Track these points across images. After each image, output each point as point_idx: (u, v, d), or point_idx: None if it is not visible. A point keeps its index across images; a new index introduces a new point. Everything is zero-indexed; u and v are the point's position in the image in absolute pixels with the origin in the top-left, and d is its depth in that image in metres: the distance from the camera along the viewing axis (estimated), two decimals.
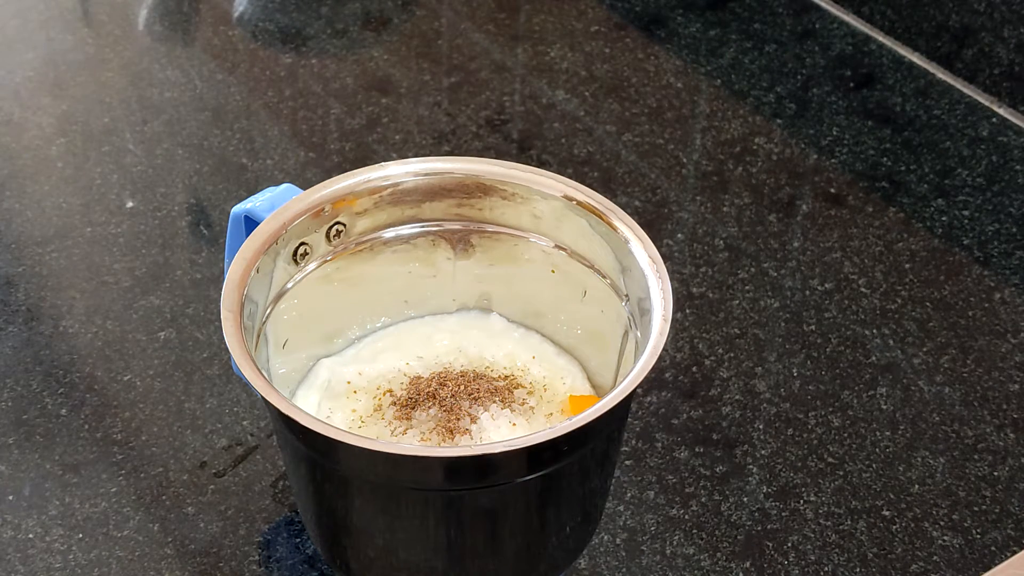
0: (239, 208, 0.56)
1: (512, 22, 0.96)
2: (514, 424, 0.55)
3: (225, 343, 0.50)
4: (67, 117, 0.86)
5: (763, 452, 0.65)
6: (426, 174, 0.58)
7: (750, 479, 0.64)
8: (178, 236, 0.77)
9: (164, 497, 0.63)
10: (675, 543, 0.61)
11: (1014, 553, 0.61)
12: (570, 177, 0.57)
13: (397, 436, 0.55)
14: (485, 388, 0.57)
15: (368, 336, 0.61)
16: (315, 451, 0.50)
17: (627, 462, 0.64)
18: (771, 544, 0.61)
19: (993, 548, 0.61)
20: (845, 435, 0.66)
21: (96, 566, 0.60)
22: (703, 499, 0.63)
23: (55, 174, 0.81)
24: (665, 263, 0.53)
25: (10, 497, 0.62)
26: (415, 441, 0.54)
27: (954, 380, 0.69)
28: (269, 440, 0.65)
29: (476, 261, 0.60)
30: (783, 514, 0.63)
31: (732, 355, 0.70)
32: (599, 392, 0.59)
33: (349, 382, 0.58)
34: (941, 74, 0.91)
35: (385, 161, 0.58)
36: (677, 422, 0.67)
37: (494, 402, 0.56)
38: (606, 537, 0.61)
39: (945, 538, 0.62)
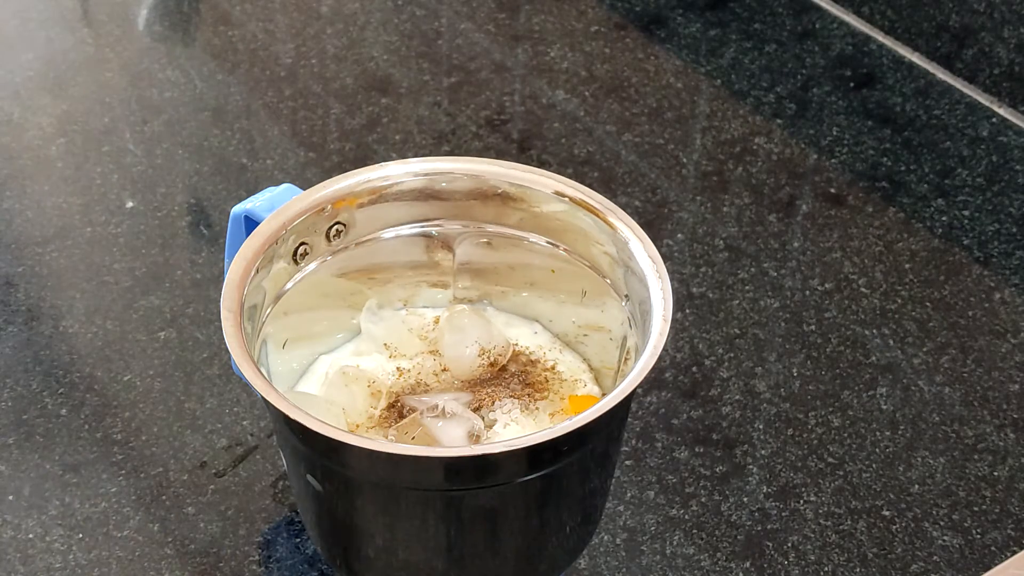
0: (239, 208, 0.56)
1: (512, 22, 0.96)
2: (517, 423, 0.55)
3: (225, 343, 0.50)
4: (67, 117, 0.86)
5: (763, 452, 0.65)
6: (426, 174, 0.58)
7: (750, 479, 0.64)
8: (178, 236, 0.77)
9: (164, 497, 0.63)
10: (675, 543, 0.61)
11: (1014, 553, 0.61)
12: (570, 177, 0.57)
13: (396, 435, 0.55)
14: (487, 387, 0.57)
15: (368, 335, 0.61)
16: (315, 451, 0.50)
17: (627, 462, 0.64)
18: (771, 544, 0.61)
19: (993, 548, 0.61)
20: (845, 435, 0.66)
21: (96, 566, 0.60)
22: (703, 499, 0.63)
23: (55, 174, 0.81)
24: (665, 263, 0.53)
25: (10, 497, 0.62)
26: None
27: (954, 380, 0.69)
28: (269, 440, 0.65)
29: (476, 261, 0.60)
30: (783, 514, 0.63)
31: (732, 355, 0.70)
32: (600, 392, 0.59)
33: (348, 383, 0.58)
34: (941, 74, 0.91)
35: (385, 161, 0.58)
36: (677, 422, 0.67)
37: (496, 400, 0.56)
38: (606, 537, 0.61)
39: (945, 538, 0.62)
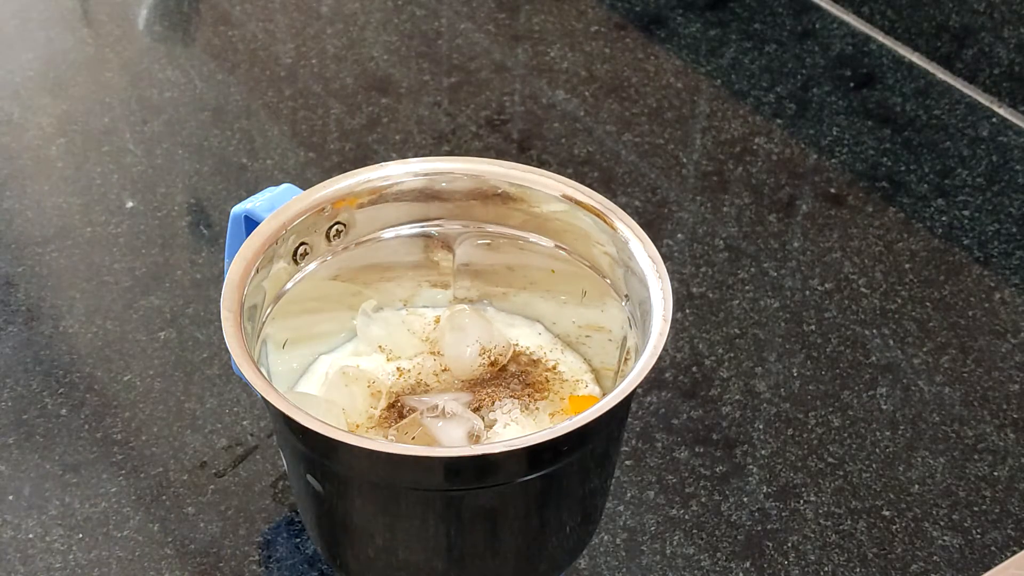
0: (239, 208, 0.56)
1: (512, 22, 0.96)
2: (517, 423, 0.55)
3: (225, 343, 0.50)
4: (67, 117, 0.86)
5: (763, 452, 0.65)
6: (426, 174, 0.58)
7: (750, 479, 0.64)
8: (178, 236, 0.77)
9: (164, 497, 0.63)
10: (675, 543, 0.61)
11: (1014, 553, 0.61)
12: (570, 177, 0.57)
13: (396, 436, 0.55)
14: (487, 387, 0.57)
15: (367, 336, 0.61)
16: (315, 451, 0.50)
17: (627, 462, 0.64)
18: (771, 544, 0.61)
19: (993, 548, 0.61)
20: (845, 435, 0.66)
21: (96, 566, 0.60)
22: (703, 499, 0.63)
23: (55, 174, 0.81)
24: (665, 263, 0.53)
25: (10, 497, 0.62)
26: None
27: (954, 380, 0.69)
28: (269, 440, 0.65)
29: (476, 261, 0.60)
30: (783, 514, 0.63)
31: (732, 355, 0.70)
32: (601, 393, 0.59)
33: (348, 383, 0.58)
34: (941, 74, 0.91)
35: (385, 161, 0.58)
36: (677, 422, 0.67)
37: (496, 400, 0.56)
38: (606, 537, 0.61)
39: (945, 538, 0.62)
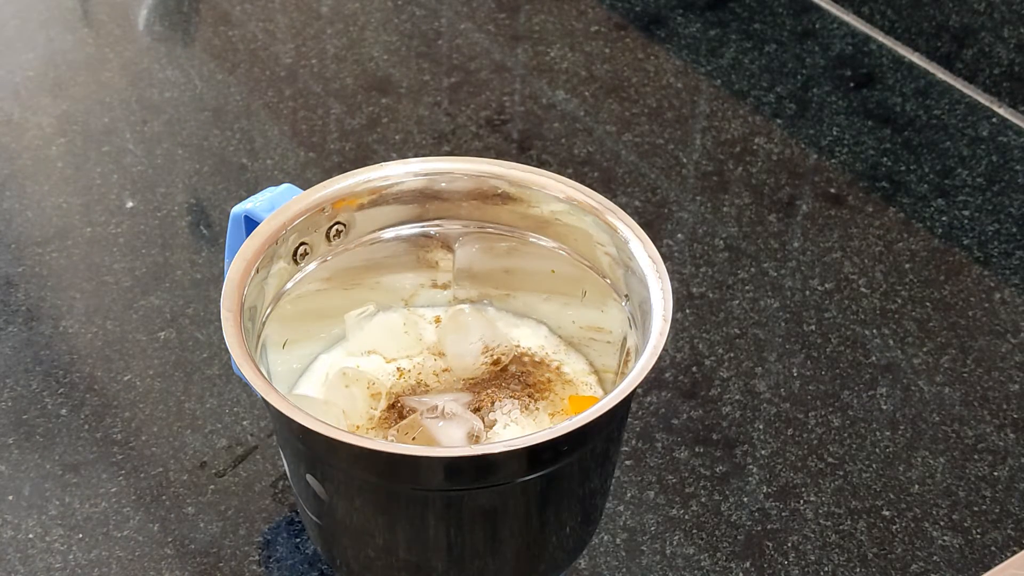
0: (239, 208, 0.56)
1: (512, 22, 0.96)
2: (518, 424, 0.55)
3: (225, 343, 0.50)
4: (67, 117, 0.86)
5: (763, 452, 0.65)
6: (426, 174, 0.58)
7: (750, 479, 0.64)
8: (178, 236, 0.77)
9: (164, 497, 0.63)
10: (675, 543, 0.61)
11: (1014, 553, 0.61)
12: (570, 177, 0.57)
13: (396, 436, 0.55)
14: (488, 387, 0.57)
15: (367, 335, 0.61)
16: (315, 451, 0.50)
17: (627, 462, 0.64)
18: (771, 544, 0.61)
19: (993, 548, 0.61)
20: (845, 435, 0.66)
21: (96, 566, 0.60)
22: (703, 499, 0.63)
23: (55, 174, 0.81)
24: (665, 263, 0.53)
25: (10, 497, 0.62)
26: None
27: (954, 380, 0.69)
28: (269, 440, 0.65)
29: (476, 261, 0.60)
30: (783, 514, 0.63)
31: (732, 355, 0.70)
32: (602, 393, 0.59)
33: (348, 384, 0.58)
34: (941, 74, 0.91)
35: (385, 161, 0.58)
36: (677, 422, 0.67)
37: (496, 401, 0.56)
38: (606, 537, 0.61)
39: (945, 538, 0.62)
